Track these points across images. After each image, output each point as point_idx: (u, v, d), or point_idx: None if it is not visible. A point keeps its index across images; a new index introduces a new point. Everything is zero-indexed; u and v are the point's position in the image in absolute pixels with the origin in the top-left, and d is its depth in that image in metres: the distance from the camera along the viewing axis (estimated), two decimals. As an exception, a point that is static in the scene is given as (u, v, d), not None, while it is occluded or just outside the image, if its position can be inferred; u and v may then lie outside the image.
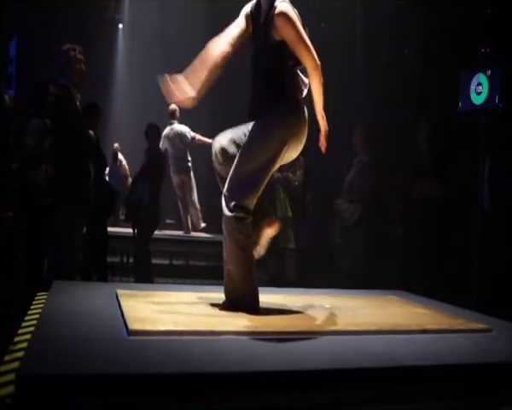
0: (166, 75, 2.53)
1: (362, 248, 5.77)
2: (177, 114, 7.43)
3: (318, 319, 2.68)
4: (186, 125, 7.51)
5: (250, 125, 2.83)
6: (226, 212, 2.69)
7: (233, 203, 2.67)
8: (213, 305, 2.80)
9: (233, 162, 2.75)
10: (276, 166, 2.80)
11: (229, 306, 2.75)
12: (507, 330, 2.82)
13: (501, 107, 4.57)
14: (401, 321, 2.76)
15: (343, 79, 7.37)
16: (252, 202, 2.71)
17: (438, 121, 5.75)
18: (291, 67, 2.77)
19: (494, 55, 4.83)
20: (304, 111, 2.80)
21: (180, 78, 2.63)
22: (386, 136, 6.35)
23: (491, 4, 5.22)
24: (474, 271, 4.68)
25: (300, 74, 2.82)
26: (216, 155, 2.95)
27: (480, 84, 4.70)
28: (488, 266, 4.72)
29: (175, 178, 7.41)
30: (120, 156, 10.13)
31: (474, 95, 4.75)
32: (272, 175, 5.37)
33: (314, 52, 2.70)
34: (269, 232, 2.91)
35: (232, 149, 2.85)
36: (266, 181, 2.77)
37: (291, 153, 2.83)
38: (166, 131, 7.26)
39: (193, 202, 7.68)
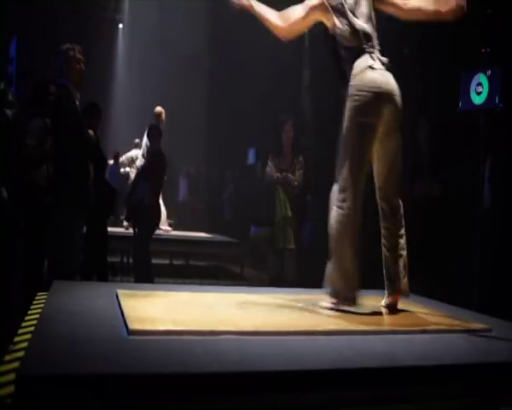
0: None
1: (365, 248, 5.75)
2: (163, 116, 7.41)
3: (318, 319, 2.68)
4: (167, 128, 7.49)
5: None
6: (331, 204, 2.93)
7: (337, 192, 2.87)
8: (213, 305, 2.80)
9: None
10: (365, 138, 2.80)
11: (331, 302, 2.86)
12: (507, 330, 2.82)
13: (501, 107, 4.57)
14: (401, 321, 2.76)
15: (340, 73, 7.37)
16: (353, 197, 2.79)
17: (438, 121, 5.75)
18: (345, 50, 2.86)
19: (494, 55, 4.83)
20: (365, 78, 2.80)
21: None
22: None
23: (491, 4, 5.22)
24: (474, 271, 4.68)
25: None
26: None
27: (480, 84, 4.70)
28: (488, 266, 4.72)
29: None
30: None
31: (474, 95, 4.75)
32: (272, 175, 5.43)
33: None
34: (391, 301, 3.00)
35: None
36: (364, 168, 2.81)
37: (375, 117, 2.80)
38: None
39: None
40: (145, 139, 7.14)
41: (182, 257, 8.51)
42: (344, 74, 2.87)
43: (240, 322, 2.44)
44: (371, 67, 2.82)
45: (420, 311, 3.05)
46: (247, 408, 1.82)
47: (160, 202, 6.85)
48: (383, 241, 3.01)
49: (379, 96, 2.79)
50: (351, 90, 2.82)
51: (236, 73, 10.23)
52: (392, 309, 2.98)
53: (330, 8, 2.89)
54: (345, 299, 2.83)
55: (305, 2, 2.94)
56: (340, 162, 2.86)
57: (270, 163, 5.52)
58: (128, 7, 11.68)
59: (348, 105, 2.83)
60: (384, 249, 3.02)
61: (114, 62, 12.25)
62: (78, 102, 4.06)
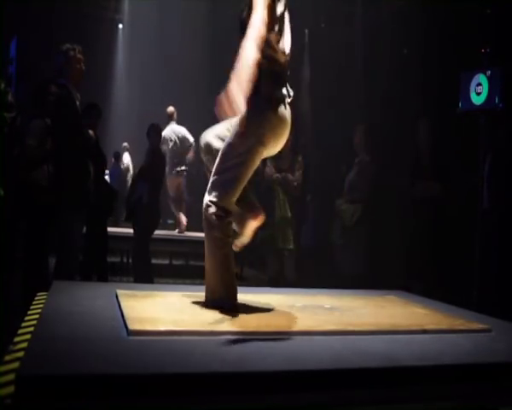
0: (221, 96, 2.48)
1: (362, 248, 5.77)
2: (175, 115, 7.46)
3: (318, 319, 2.68)
4: (184, 126, 7.55)
5: (234, 121, 2.76)
6: (204, 210, 2.69)
7: (210, 202, 2.66)
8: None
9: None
10: (254, 163, 2.71)
11: (207, 304, 2.72)
12: (507, 330, 2.82)
13: (501, 107, 4.57)
14: (401, 321, 2.76)
15: (343, 79, 7.37)
16: (230, 202, 2.68)
17: (438, 121, 5.75)
18: (265, 62, 2.62)
19: (494, 55, 4.83)
20: (282, 108, 2.69)
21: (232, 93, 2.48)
22: (386, 136, 6.35)
23: (491, 4, 5.22)
24: (474, 271, 4.68)
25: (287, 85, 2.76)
26: (202, 150, 2.94)
27: (479, 84, 4.70)
28: (488, 266, 4.72)
29: (170, 180, 7.42)
30: (126, 156, 10.14)
31: (474, 95, 4.75)
32: (271, 175, 5.43)
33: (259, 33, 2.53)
34: (253, 224, 2.81)
35: (216, 144, 2.82)
36: (245, 179, 2.70)
37: (269, 150, 2.76)
38: (167, 131, 7.28)
39: (182, 206, 7.73)
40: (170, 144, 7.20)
41: (182, 257, 8.50)
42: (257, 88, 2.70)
43: (239, 322, 2.44)
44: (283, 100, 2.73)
45: (420, 311, 3.05)
46: (247, 408, 1.82)
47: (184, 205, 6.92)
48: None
49: (284, 137, 2.76)
50: (268, 111, 2.70)
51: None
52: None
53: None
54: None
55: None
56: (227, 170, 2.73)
57: (269, 163, 5.52)
58: (128, 7, 11.67)
59: (256, 120, 2.68)
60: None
61: (114, 62, 12.24)
62: (78, 102, 4.06)
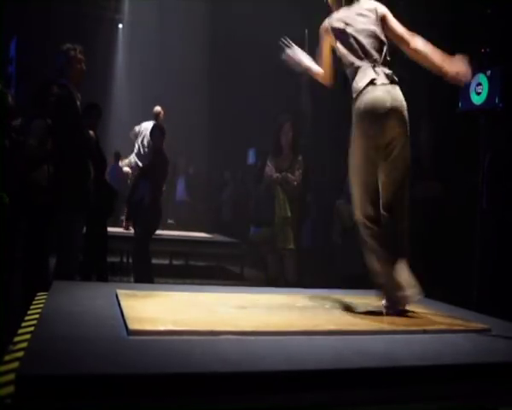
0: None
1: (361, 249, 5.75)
2: (162, 115, 7.46)
3: (318, 319, 2.68)
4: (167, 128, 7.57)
5: None
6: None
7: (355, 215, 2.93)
8: (213, 305, 2.80)
9: None
10: (363, 159, 2.89)
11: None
12: (506, 330, 2.82)
13: (501, 107, 4.57)
14: (401, 321, 2.76)
15: (343, 79, 7.36)
16: (364, 210, 2.90)
17: (438, 121, 5.75)
18: (347, 69, 2.99)
19: (494, 55, 4.83)
20: (365, 96, 2.86)
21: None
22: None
23: (491, 4, 5.22)
24: (474, 271, 4.68)
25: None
26: None
27: (479, 84, 4.70)
28: (488, 266, 4.72)
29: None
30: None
31: (474, 95, 4.75)
32: (271, 175, 5.42)
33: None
34: (395, 308, 2.93)
35: None
36: (363, 180, 2.90)
37: (373, 139, 2.87)
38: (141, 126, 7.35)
39: None
40: (139, 139, 7.18)
41: (182, 257, 8.50)
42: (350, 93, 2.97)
43: (240, 322, 2.44)
44: (373, 83, 2.85)
45: (420, 311, 3.05)
46: (247, 408, 1.82)
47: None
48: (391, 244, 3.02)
49: (379, 116, 2.84)
50: (354, 112, 2.92)
51: (236, 72, 10.23)
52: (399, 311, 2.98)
53: (330, 30, 3.04)
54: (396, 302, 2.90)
55: (320, 35, 3.12)
56: (352, 185, 3.00)
57: (269, 163, 5.51)
58: (128, 7, 11.67)
59: (353, 126, 2.93)
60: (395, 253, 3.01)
61: (114, 62, 12.24)
62: (78, 102, 4.06)
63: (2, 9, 7.06)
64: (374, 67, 2.90)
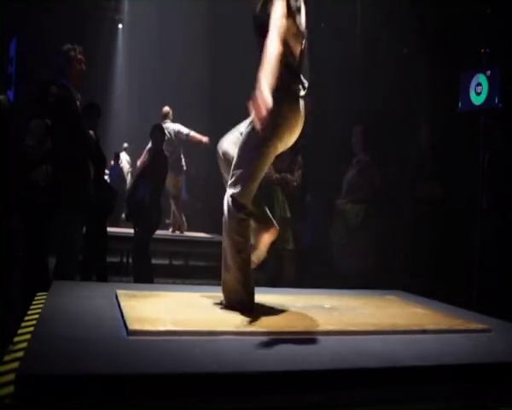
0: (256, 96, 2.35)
1: (363, 248, 5.76)
2: (171, 115, 7.48)
3: (318, 319, 2.68)
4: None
5: (244, 124, 2.83)
6: (225, 213, 2.70)
7: (231, 196, 2.67)
8: (213, 305, 2.80)
9: None
10: (270, 157, 2.73)
11: (225, 305, 2.75)
12: (506, 330, 2.82)
13: (500, 107, 4.57)
14: (401, 321, 2.76)
15: (343, 79, 7.37)
16: (248, 197, 2.69)
17: (437, 121, 5.76)
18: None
19: (494, 55, 4.83)
20: (296, 101, 2.72)
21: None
22: (385, 136, 6.35)
23: (491, 4, 5.22)
24: (474, 271, 4.68)
25: (301, 76, 2.77)
26: (219, 159, 2.97)
27: (479, 84, 4.70)
28: (488, 267, 4.72)
29: (169, 178, 7.43)
30: (124, 156, 10.12)
31: (474, 95, 4.75)
32: (271, 176, 5.42)
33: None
34: (267, 238, 2.89)
35: (233, 152, 2.84)
36: (261, 173, 2.72)
37: (284, 143, 2.78)
38: None
39: (180, 205, 7.74)
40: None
41: (182, 257, 8.49)
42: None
43: (239, 322, 2.44)
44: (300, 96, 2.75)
45: (420, 311, 3.05)
46: (247, 408, 1.82)
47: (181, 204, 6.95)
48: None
49: (297, 130, 2.79)
50: (281, 107, 2.69)
51: (236, 72, 10.22)
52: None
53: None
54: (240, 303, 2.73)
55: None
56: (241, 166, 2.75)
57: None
58: (128, 7, 11.67)
59: (272, 114, 2.61)
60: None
61: (114, 62, 12.24)
62: (78, 102, 4.06)
63: (2, 9, 7.05)
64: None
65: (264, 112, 2.30)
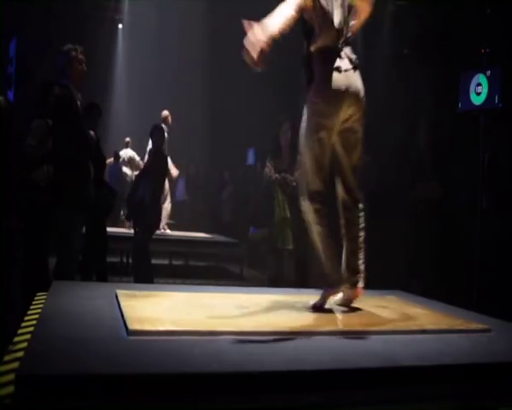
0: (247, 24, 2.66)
1: (365, 248, 5.75)
2: (169, 119, 7.48)
3: (318, 319, 2.68)
4: (178, 131, 7.61)
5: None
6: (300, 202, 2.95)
7: (302, 194, 2.93)
8: (213, 305, 2.80)
9: None
10: (319, 137, 2.85)
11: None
12: (506, 330, 2.82)
13: (500, 107, 4.57)
14: (400, 321, 2.76)
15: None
16: (313, 185, 2.88)
17: (437, 121, 5.76)
18: (317, 51, 2.87)
19: (494, 55, 4.84)
20: (334, 78, 2.81)
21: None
22: (385, 136, 6.35)
23: (491, 4, 5.22)
24: (474, 271, 4.68)
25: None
26: None
27: (479, 84, 4.71)
28: (488, 267, 4.72)
29: None
30: (128, 153, 9.99)
31: (474, 95, 4.75)
32: (270, 176, 5.42)
33: None
34: (350, 297, 2.98)
35: None
36: (317, 156, 2.87)
37: (329, 120, 2.84)
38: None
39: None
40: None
41: (181, 257, 8.50)
42: (311, 76, 2.88)
43: (239, 322, 2.44)
44: (337, 70, 2.82)
45: (420, 311, 3.05)
46: (247, 408, 1.82)
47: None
48: (344, 231, 3.02)
49: (334, 96, 2.82)
50: (311, 94, 2.87)
51: (236, 72, 10.22)
52: (349, 306, 2.97)
53: (317, 4, 2.82)
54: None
55: (292, 2, 2.77)
56: (303, 165, 2.98)
57: (268, 164, 5.51)
58: (128, 7, 11.66)
59: (306, 107, 2.90)
60: (345, 241, 3.01)
61: (114, 62, 12.23)
62: (79, 103, 4.06)
63: (2, 9, 7.06)
64: (340, 52, 2.86)
65: (254, 51, 2.59)
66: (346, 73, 2.84)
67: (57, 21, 9.45)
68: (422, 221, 5.51)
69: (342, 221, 3.01)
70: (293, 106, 8.38)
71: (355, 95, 2.86)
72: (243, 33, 2.60)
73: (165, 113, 7.55)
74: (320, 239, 2.89)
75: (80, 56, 4.02)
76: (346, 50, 2.90)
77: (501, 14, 5.11)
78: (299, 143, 2.97)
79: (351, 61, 2.88)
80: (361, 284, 2.98)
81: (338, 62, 2.83)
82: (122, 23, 12.05)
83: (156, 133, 6.16)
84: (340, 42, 2.87)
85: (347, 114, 2.87)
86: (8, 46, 8.28)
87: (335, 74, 2.81)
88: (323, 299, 2.89)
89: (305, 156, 2.92)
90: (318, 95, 2.84)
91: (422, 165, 5.71)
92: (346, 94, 2.82)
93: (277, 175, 5.41)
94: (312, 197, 2.89)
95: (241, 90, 9.84)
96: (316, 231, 2.89)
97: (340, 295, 2.99)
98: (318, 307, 2.86)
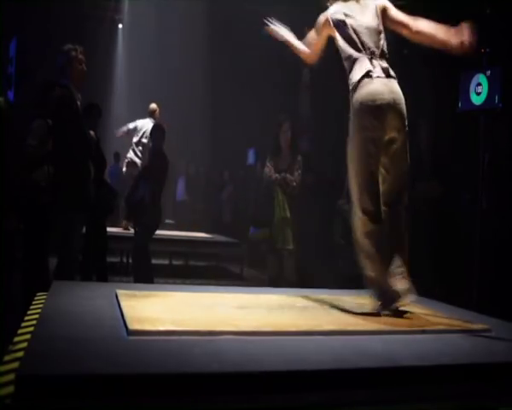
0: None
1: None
2: (157, 113, 7.45)
3: (318, 319, 2.68)
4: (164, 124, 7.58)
5: None
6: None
7: (354, 209, 2.91)
8: (213, 305, 2.80)
9: None
10: (364, 152, 2.87)
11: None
12: (506, 330, 2.82)
13: (500, 107, 4.57)
14: (400, 321, 2.76)
15: (342, 79, 7.37)
16: (363, 205, 2.87)
17: (437, 121, 5.75)
18: (345, 61, 3.00)
19: (494, 55, 4.83)
20: (365, 86, 2.86)
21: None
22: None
23: (491, 4, 5.22)
24: (474, 271, 4.68)
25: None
26: None
27: (479, 84, 4.70)
28: (488, 267, 4.72)
29: None
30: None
31: (474, 95, 4.75)
32: (270, 176, 5.42)
33: None
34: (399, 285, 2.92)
35: None
36: (364, 173, 2.87)
37: (374, 131, 2.85)
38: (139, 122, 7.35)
39: None
40: (137, 136, 7.18)
41: (182, 257, 8.50)
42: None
43: (239, 322, 2.44)
44: (369, 76, 2.85)
45: (420, 311, 3.05)
46: (247, 408, 1.82)
47: None
48: (389, 241, 3.01)
49: (377, 109, 2.84)
50: (352, 105, 2.91)
51: (236, 72, 10.23)
52: (396, 311, 2.94)
53: (332, 23, 3.03)
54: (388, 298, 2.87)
55: (316, 24, 3.12)
56: (351, 179, 2.98)
57: (268, 164, 5.51)
58: (128, 7, 11.66)
59: (351, 120, 2.93)
60: (392, 249, 3.01)
61: (114, 62, 12.24)
62: (79, 103, 4.06)
63: (2, 9, 7.06)
64: (371, 59, 2.91)
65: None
66: (381, 81, 2.89)
67: (57, 21, 9.46)
68: (422, 221, 5.50)
69: (389, 232, 3.00)
70: (294, 106, 8.40)
71: (393, 104, 2.92)
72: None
73: (153, 106, 7.50)
74: (374, 263, 2.92)
75: (80, 56, 4.02)
76: (377, 60, 2.94)
77: (501, 14, 5.10)
78: (348, 161, 2.99)
79: (383, 69, 2.93)
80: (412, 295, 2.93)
81: (368, 67, 2.90)
82: (122, 23, 12.05)
83: (156, 133, 6.16)
84: (367, 52, 2.93)
85: (390, 125, 2.92)
86: (8, 46, 8.27)
87: (368, 83, 2.87)
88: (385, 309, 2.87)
89: (353, 175, 2.96)
90: (357, 108, 2.90)
91: (422, 165, 5.70)
92: (384, 104, 2.87)
93: (277, 175, 5.41)
94: (363, 218, 2.91)
95: (242, 90, 9.84)
96: (368, 255, 2.93)
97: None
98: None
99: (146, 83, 10.98)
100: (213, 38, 10.66)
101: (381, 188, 2.99)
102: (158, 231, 6.27)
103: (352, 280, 5.47)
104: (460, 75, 4.92)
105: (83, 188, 4.02)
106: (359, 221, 2.91)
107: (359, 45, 2.95)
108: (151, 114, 7.44)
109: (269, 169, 5.47)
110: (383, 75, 2.90)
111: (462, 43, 2.86)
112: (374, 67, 2.90)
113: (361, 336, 2.47)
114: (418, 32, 3.02)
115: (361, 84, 2.87)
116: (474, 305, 4.29)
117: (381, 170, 2.97)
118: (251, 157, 10.19)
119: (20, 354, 1.87)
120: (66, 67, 3.99)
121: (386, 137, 2.90)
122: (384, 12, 3.04)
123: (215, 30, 10.53)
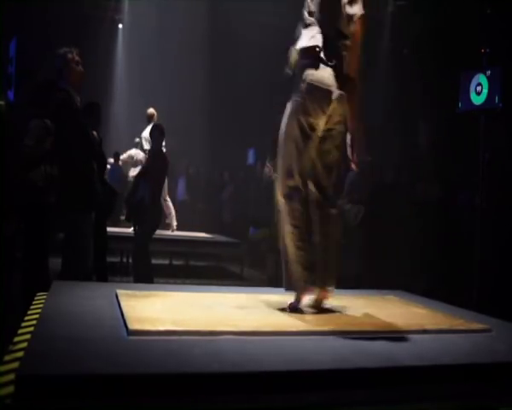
0: None
1: (363, 248, 5.76)
2: (155, 117, 7.44)
3: (318, 319, 2.68)
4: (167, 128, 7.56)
5: None
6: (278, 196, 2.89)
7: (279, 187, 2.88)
8: (213, 305, 2.80)
9: None
10: (296, 132, 2.81)
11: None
12: (507, 330, 2.82)
13: (500, 107, 4.57)
14: (401, 321, 2.76)
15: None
16: (290, 180, 2.83)
17: (437, 121, 5.76)
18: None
19: (494, 55, 4.84)
20: (316, 73, 2.79)
21: None
22: (386, 136, 6.35)
23: (491, 4, 5.22)
24: (474, 271, 4.68)
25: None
26: None
27: (479, 84, 4.71)
28: (488, 266, 4.72)
29: None
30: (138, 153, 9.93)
31: (474, 95, 4.76)
32: (270, 176, 5.42)
33: None
34: (320, 297, 2.89)
35: None
36: (294, 152, 2.82)
37: (312, 117, 2.80)
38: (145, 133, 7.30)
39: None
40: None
41: (182, 257, 8.50)
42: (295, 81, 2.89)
43: (239, 322, 2.44)
44: (319, 67, 2.79)
45: (420, 311, 3.05)
46: (247, 408, 1.82)
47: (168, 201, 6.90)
48: (316, 229, 2.91)
49: (324, 96, 2.79)
50: (295, 85, 2.85)
51: (236, 72, 10.24)
52: (319, 308, 2.87)
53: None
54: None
55: None
56: (280, 155, 2.92)
57: (268, 164, 5.51)
58: (128, 7, 11.67)
59: (292, 98, 2.87)
60: (317, 238, 2.91)
61: (114, 62, 12.24)
62: (78, 104, 4.06)
63: (3, 9, 7.06)
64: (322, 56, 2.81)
65: None
66: (331, 70, 2.79)
67: (57, 21, 9.46)
68: (422, 221, 5.51)
69: (315, 218, 2.91)
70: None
71: (342, 97, 2.81)
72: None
73: (151, 111, 7.47)
74: (292, 241, 2.81)
75: (77, 58, 4.02)
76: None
77: (501, 14, 5.11)
78: (280, 137, 2.91)
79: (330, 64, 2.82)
80: (331, 286, 2.88)
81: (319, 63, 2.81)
82: (122, 23, 12.06)
83: (156, 133, 6.16)
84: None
85: (332, 118, 2.85)
86: (8, 46, 8.27)
87: (318, 71, 2.79)
88: (297, 301, 2.83)
89: (284, 151, 2.88)
90: (304, 93, 2.82)
91: (422, 165, 5.71)
92: (333, 92, 2.79)
93: (277, 175, 5.41)
94: (289, 194, 2.84)
95: (241, 90, 9.84)
96: (289, 231, 2.82)
97: (311, 297, 2.89)
98: (293, 309, 2.80)
99: (146, 83, 10.99)
100: (213, 38, 10.67)
101: (314, 175, 2.92)
102: (158, 231, 6.27)
103: (351, 280, 5.49)
104: (460, 75, 4.93)
105: (89, 188, 4.01)
106: (286, 197, 2.86)
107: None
108: (149, 119, 7.43)
109: (269, 169, 5.48)
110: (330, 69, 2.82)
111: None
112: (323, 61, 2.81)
113: (361, 336, 2.46)
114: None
115: (311, 67, 2.80)
116: (474, 305, 4.30)
117: (314, 155, 2.91)
118: (251, 157, 10.20)
119: (20, 353, 1.87)
120: (64, 70, 3.99)
121: (326, 125, 2.84)
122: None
123: (215, 30, 10.54)
